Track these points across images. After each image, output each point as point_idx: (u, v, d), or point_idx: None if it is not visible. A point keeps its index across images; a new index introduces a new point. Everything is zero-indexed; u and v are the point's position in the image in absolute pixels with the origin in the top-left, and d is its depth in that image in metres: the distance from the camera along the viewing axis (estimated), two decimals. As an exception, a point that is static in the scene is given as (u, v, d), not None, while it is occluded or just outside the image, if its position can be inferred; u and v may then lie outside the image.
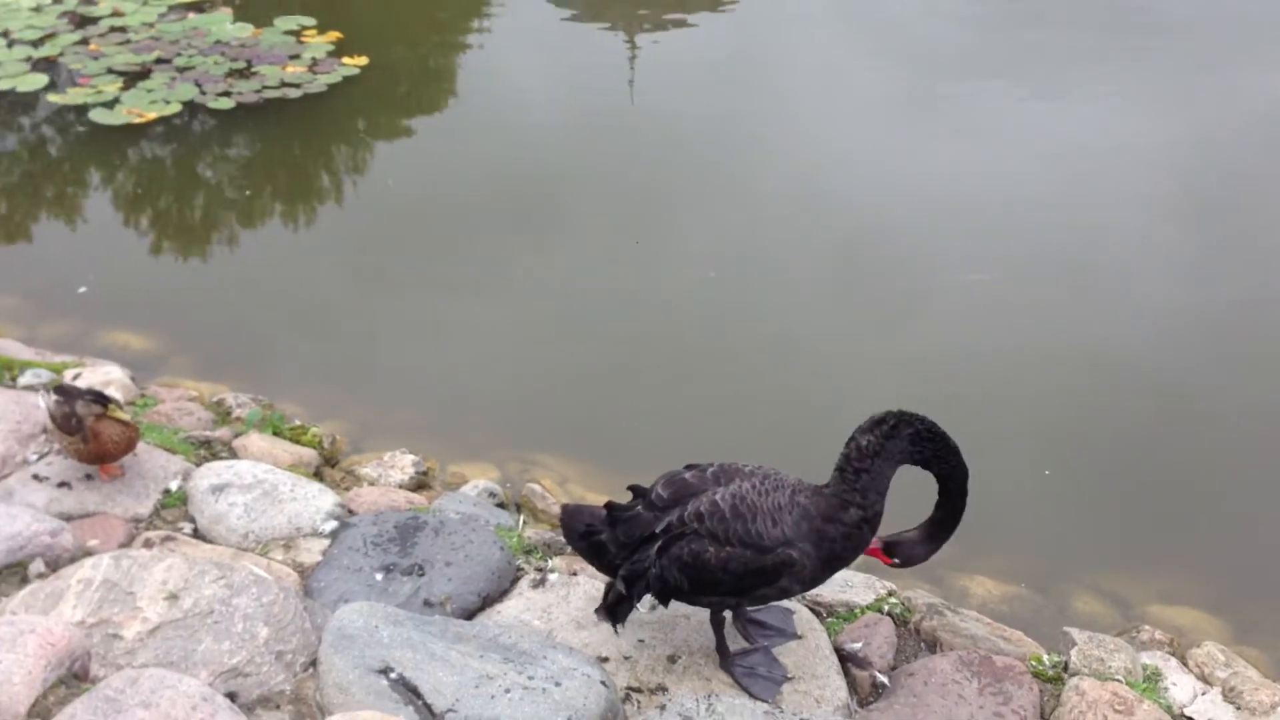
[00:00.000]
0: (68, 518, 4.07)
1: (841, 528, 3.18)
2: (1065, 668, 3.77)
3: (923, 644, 3.87)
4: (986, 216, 7.08)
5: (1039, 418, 5.51)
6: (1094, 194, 7.35)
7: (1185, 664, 4.00)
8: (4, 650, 3.00)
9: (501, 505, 4.76)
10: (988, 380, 5.72)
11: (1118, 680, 3.68)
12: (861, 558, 3.35)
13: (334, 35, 8.89)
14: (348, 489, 4.68)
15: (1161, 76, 8.82)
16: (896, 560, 3.40)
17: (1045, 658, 3.80)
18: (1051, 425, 5.47)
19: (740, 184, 7.52)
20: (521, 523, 4.49)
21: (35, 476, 4.29)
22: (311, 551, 4.06)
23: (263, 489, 4.28)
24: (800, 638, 3.64)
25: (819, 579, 3.31)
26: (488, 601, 3.84)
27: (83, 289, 6.26)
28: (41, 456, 4.43)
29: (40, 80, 8.11)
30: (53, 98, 7.95)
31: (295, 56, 8.55)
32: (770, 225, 7.00)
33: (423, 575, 3.86)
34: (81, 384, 4.62)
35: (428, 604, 3.74)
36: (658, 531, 3.29)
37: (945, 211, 7.14)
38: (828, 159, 7.79)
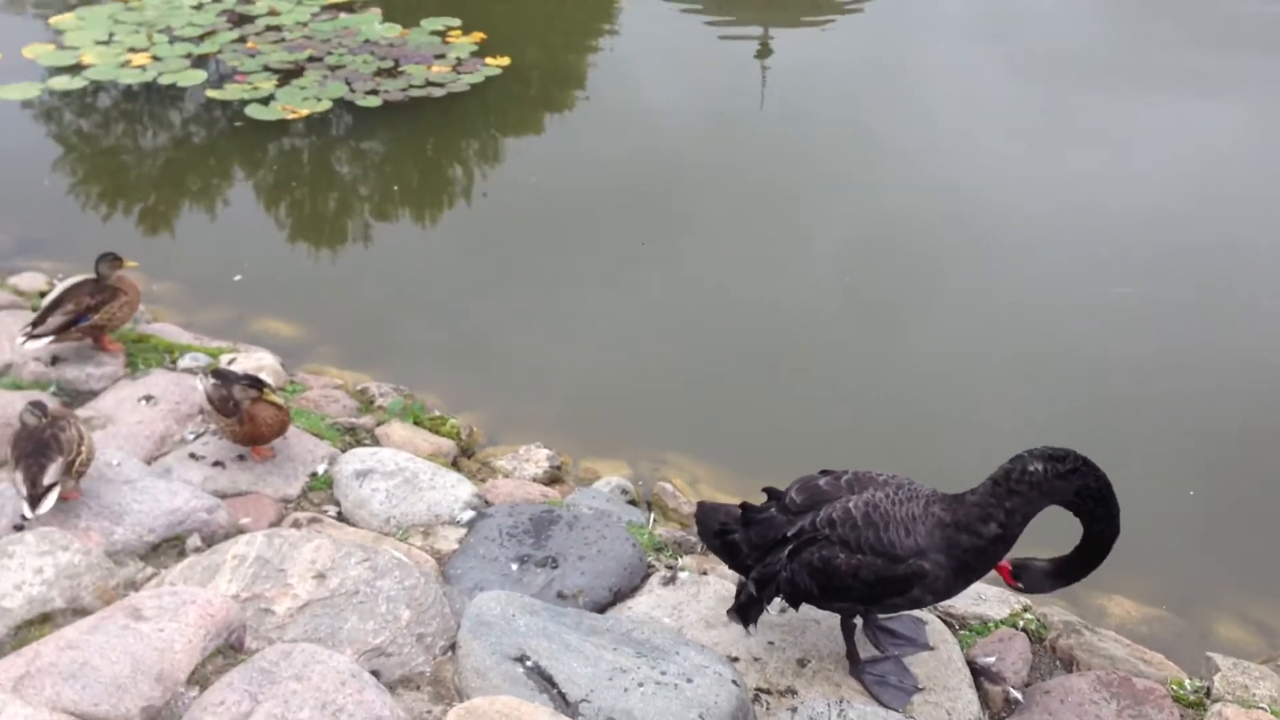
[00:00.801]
0: (222, 495, 4.27)
1: (976, 539, 3.14)
2: (1208, 693, 3.66)
3: (1058, 662, 3.80)
4: (1127, 225, 6.91)
5: (1182, 436, 5.36)
6: (1236, 202, 7.12)
7: (1335, 696, 3.85)
8: (167, 619, 3.15)
9: (633, 502, 4.83)
10: (1130, 396, 5.58)
11: (1262, 709, 3.57)
12: (992, 573, 3.32)
13: (478, 36, 9.08)
14: (483, 480, 4.79)
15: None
16: (1020, 585, 3.36)
17: (1187, 682, 3.70)
18: (1195, 444, 5.31)
19: (871, 188, 7.46)
20: (652, 520, 4.54)
21: (192, 455, 4.51)
22: (449, 539, 4.18)
23: (404, 476, 4.42)
24: (932, 648, 3.62)
25: (952, 591, 3.28)
26: (619, 596, 3.90)
27: (238, 277, 6.50)
28: (197, 436, 4.66)
29: (200, 76, 8.45)
30: (211, 93, 8.28)
31: (440, 56, 8.76)
32: (903, 232, 6.93)
33: (556, 567, 3.94)
34: (237, 369, 4.83)
35: (561, 596, 3.81)
36: (789, 535, 3.31)
37: (1083, 219, 6.99)
38: (962, 165, 7.69)
